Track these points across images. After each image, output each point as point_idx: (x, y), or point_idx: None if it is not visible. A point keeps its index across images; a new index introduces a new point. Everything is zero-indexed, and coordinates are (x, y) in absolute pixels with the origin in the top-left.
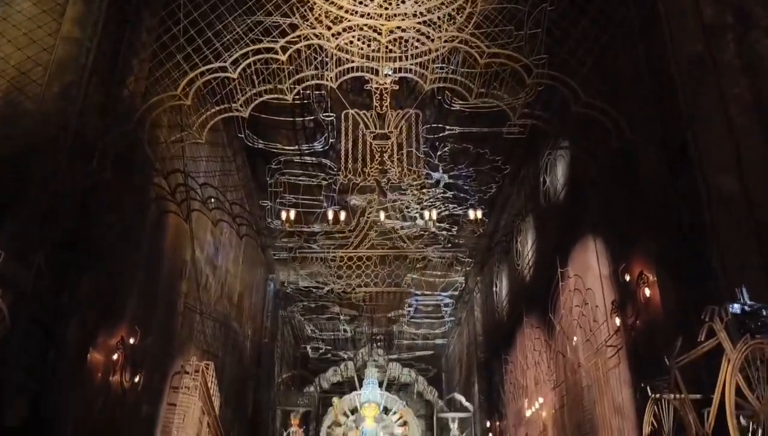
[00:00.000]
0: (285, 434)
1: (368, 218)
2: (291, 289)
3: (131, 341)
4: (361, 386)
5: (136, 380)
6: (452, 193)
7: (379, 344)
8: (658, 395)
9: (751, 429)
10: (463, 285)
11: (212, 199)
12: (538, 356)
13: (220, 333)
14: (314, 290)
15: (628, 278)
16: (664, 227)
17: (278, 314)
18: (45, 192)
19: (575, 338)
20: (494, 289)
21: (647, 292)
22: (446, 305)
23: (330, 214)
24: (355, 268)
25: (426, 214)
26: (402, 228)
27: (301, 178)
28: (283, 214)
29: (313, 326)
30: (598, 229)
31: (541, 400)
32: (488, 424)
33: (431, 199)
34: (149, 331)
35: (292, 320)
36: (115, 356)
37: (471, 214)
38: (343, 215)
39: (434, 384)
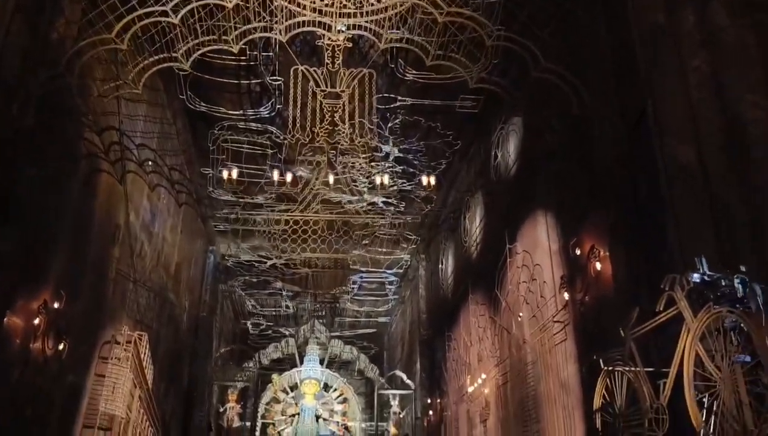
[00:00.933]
0: (222, 409)
1: (313, 186)
2: (232, 262)
3: (55, 305)
4: (302, 363)
5: (60, 347)
6: (401, 167)
7: (321, 321)
8: (611, 368)
9: (706, 401)
10: (408, 263)
11: (149, 162)
12: (482, 332)
13: (154, 304)
14: (256, 265)
15: (578, 252)
16: (618, 199)
17: (218, 288)
18: None
19: (521, 314)
20: (440, 266)
21: (598, 266)
22: (390, 283)
23: (275, 175)
24: (300, 233)
25: (377, 179)
26: (349, 202)
27: (245, 145)
28: (225, 174)
29: (255, 301)
30: (550, 203)
31: (483, 376)
32: (429, 401)
33: (380, 173)
34: (76, 296)
35: (233, 294)
36: (36, 321)
37: (424, 180)
38: (289, 177)
39: (376, 363)
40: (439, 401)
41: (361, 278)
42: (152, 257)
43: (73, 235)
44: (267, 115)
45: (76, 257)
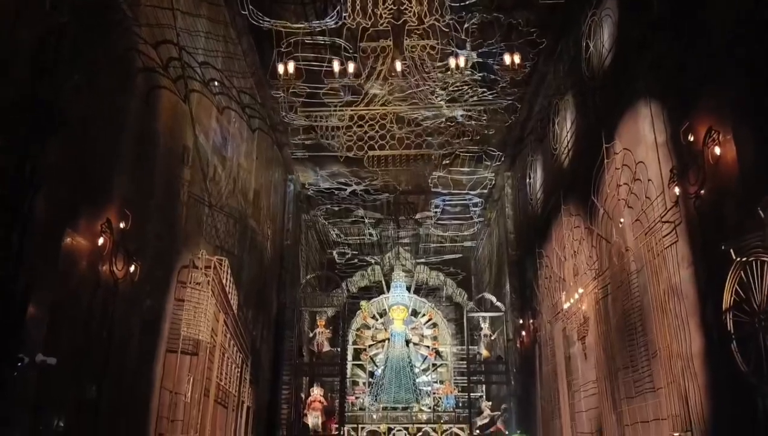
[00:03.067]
0: (311, 334)
1: (381, 68)
2: (312, 191)
3: (121, 225)
4: (388, 290)
5: (131, 269)
6: (481, 74)
7: (405, 248)
8: (745, 257)
9: None
10: (493, 182)
11: (215, 83)
12: (577, 245)
13: (234, 230)
14: (336, 192)
15: (691, 138)
16: (743, 69)
17: (300, 218)
18: None
19: (622, 220)
20: (527, 181)
21: (717, 151)
22: (475, 205)
23: (336, 66)
24: (378, 128)
25: (452, 62)
26: (425, 119)
27: (313, 63)
28: (281, 68)
29: (338, 230)
30: (654, 89)
31: (580, 291)
32: (521, 321)
33: (458, 84)
34: (144, 217)
35: (316, 224)
36: (100, 241)
37: (507, 59)
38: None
39: (464, 288)
40: (531, 321)
41: (444, 201)
42: (228, 183)
43: (136, 153)
44: (333, 26)
45: (140, 176)
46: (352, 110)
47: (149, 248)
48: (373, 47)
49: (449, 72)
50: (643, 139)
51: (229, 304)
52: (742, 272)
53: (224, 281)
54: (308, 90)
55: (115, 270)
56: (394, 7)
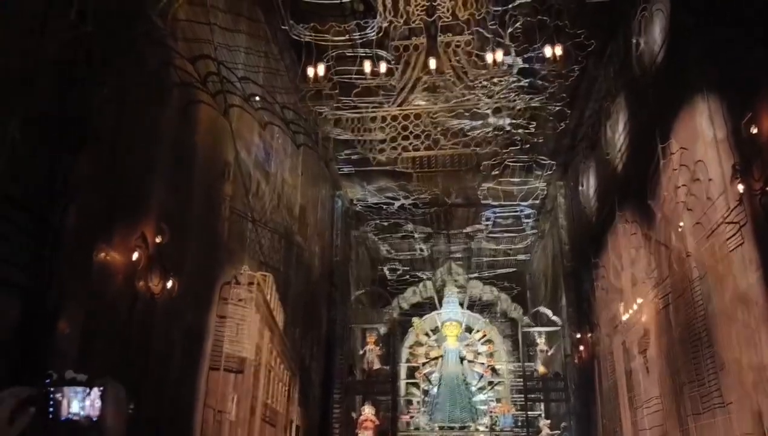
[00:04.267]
0: (361, 351)
1: (415, 67)
2: (361, 206)
3: (157, 239)
4: (441, 305)
5: (169, 285)
6: (528, 80)
7: (457, 262)
8: None
9: None
10: (545, 192)
11: (257, 98)
12: (634, 253)
13: (279, 246)
14: (384, 207)
15: (754, 130)
16: None
17: (350, 234)
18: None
19: (681, 224)
20: (580, 189)
21: None
22: (527, 217)
23: (367, 67)
24: (423, 138)
25: (489, 57)
26: (473, 129)
27: (356, 76)
28: (310, 71)
29: (388, 246)
30: (711, 82)
31: (639, 301)
32: (578, 336)
33: (504, 91)
34: (183, 232)
35: (366, 240)
36: (135, 255)
37: (548, 52)
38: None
39: (519, 302)
40: (589, 335)
41: (495, 213)
42: (272, 198)
43: (173, 167)
44: (374, 37)
45: (178, 190)
46: (396, 123)
47: (188, 263)
48: (405, 45)
49: (493, 79)
50: (701, 136)
51: (275, 321)
52: None
53: (269, 298)
54: (353, 102)
55: (151, 285)
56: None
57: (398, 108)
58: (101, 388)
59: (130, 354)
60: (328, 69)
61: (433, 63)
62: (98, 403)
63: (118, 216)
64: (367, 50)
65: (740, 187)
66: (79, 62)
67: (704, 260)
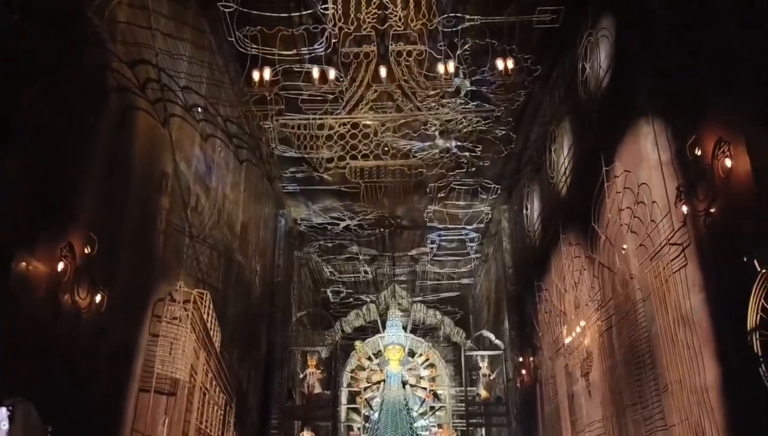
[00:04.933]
0: (302, 375)
1: (365, 76)
2: (305, 226)
3: (86, 250)
4: (384, 329)
5: (98, 299)
6: (475, 103)
7: (402, 285)
8: None
9: None
10: (490, 216)
11: (199, 109)
12: (578, 276)
13: (219, 263)
14: (329, 227)
15: (699, 152)
16: (748, 74)
17: (293, 254)
18: None
19: (625, 246)
20: (524, 212)
21: (728, 163)
22: (471, 240)
23: (315, 73)
24: (372, 158)
25: (441, 68)
26: (420, 150)
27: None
28: (256, 75)
29: (332, 267)
30: (655, 105)
31: (582, 324)
32: (521, 360)
33: (452, 112)
34: (114, 243)
35: (309, 262)
36: (60, 266)
37: (500, 65)
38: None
39: (462, 327)
40: (532, 359)
41: (440, 236)
42: (211, 213)
43: (108, 175)
44: (322, 53)
45: (111, 199)
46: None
47: (120, 277)
48: (356, 52)
49: (441, 100)
50: (645, 159)
51: (211, 341)
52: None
53: (206, 317)
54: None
55: (77, 299)
56: (378, 12)
57: (345, 126)
58: (10, 408)
59: (50, 372)
60: (274, 80)
61: (383, 71)
62: (5, 425)
63: (42, 223)
64: (315, 65)
65: (684, 209)
66: (7, 57)
67: (648, 282)
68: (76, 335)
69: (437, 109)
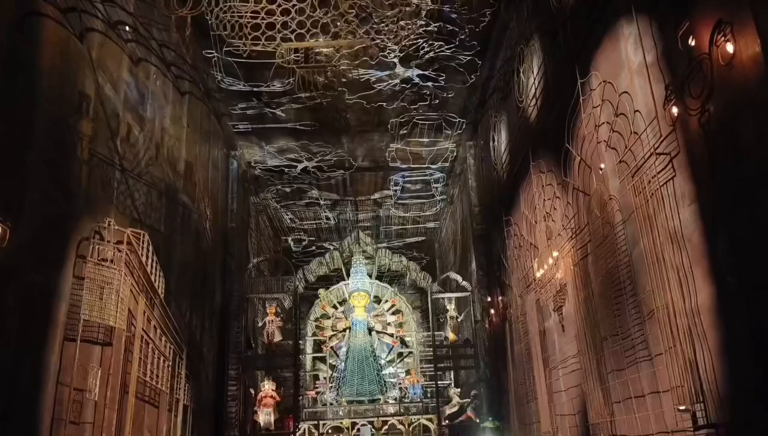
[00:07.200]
0: (260, 323)
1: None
2: (260, 170)
3: None
4: (348, 276)
5: None
6: (436, 25)
7: (366, 231)
8: None
9: None
10: (455, 154)
11: (126, 28)
12: (549, 204)
13: (159, 203)
14: (286, 170)
15: (693, 42)
16: None
17: (248, 200)
18: None
19: (602, 166)
20: (491, 145)
21: (729, 48)
22: (436, 181)
23: None
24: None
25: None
26: (379, 81)
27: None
28: None
29: (292, 214)
30: (639, 1)
31: (555, 255)
32: (489, 299)
33: (412, 36)
34: (17, 168)
35: (268, 208)
36: None
37: None
38: None
39: (429, 272)
40: (500, 298)
41: (403, 177)
42: (148, 147)
43: (3, 88)
44: None
45: (9, 116)
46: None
47: (28, 208)
48: None
49: (400, 22)
50: (626, 65)
51: (153, 287)
52: None
53: (145, 260)
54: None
55: None
56: None
57: (297, 53)
58: None
59: None
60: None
61: None
62: None
63: None
64: None
65: (674, 110)
66: None
67: (629, 201)
68: None
69: (396, 32)
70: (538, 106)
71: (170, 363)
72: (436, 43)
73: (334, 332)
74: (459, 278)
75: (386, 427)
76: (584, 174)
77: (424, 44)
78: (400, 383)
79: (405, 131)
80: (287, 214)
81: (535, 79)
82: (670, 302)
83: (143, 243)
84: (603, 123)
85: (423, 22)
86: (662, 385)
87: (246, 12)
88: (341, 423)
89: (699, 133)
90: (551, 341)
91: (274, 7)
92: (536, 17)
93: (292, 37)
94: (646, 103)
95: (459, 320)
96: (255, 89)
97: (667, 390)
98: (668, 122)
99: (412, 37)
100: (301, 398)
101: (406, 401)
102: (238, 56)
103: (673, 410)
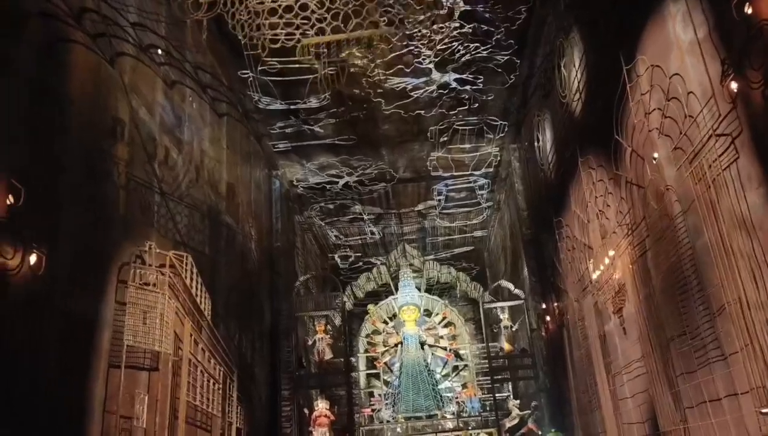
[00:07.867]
0: (310, 342)
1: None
2: (302, 188)
3: (8, 200)
4: (397, 290)
5: (32, 260)
6: (471, 26)
7: (412, 244)
8: None
9: None
10: (498, 158)
11: (159, 51)
12: (602, 201)
13: (202, 225)
14: (328, 187)
15: (750, 9)
16: None
17: (293, 219)
18: None
19: (656, 155)
20: (536, 145)
21: None
22: (481, 188)
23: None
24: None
25: None
26: (415, 88)
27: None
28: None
29: (337, 231)
30: None
31: (611, 254)
32: (544, 306)
33: (446, 39)
34: (50, 196)
35: (313, 226)
36: None
37: None
38: None
39: (479, 282)
40: (556, 304)
41: (447, 186)
42: (187, 169)
43: (31, 114)
44: None
45: (39, 145)
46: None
47: (64, 235)
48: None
49: (433, 27)
50: (675, 44)
51: (200, 310)
52: None
53: (189, 282)
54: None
55: (5, 259)
56: None
57: (332, 66)
58: None
59: None
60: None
61: None
62: None
63: None
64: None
65: (733, 85)
66: None
67: (688, 190)
68: (3, 301)
69: (429, 36)
70: (583, 99)
71: (221, 386)
72: (472, 45)
73: (386, 348)
74: (511, 286)
75: None
76: (637, 166)
77: (459, 47)
78: (457, 398)
79: (445, 138)
80: (332, 232)
81: (577, 72)
82: (743, 296)
83: (187, 265)
84: (653, 109)
85: (457, 24)
86: (740, 386)
87: (269, 19)
88: None
89: (763, 107)
90: (613, 346)
91: (299, 21)
92: (574, 8)
93: (325, 50)
94: (701, 82)
95: (514, 329)
96: (292, 107)
97: (746, 392)
98: (727, 100)
99: (446, 40)
100: (357, 416)
101: (464, 415)
102: (273, 74)
103: (755, 414)
